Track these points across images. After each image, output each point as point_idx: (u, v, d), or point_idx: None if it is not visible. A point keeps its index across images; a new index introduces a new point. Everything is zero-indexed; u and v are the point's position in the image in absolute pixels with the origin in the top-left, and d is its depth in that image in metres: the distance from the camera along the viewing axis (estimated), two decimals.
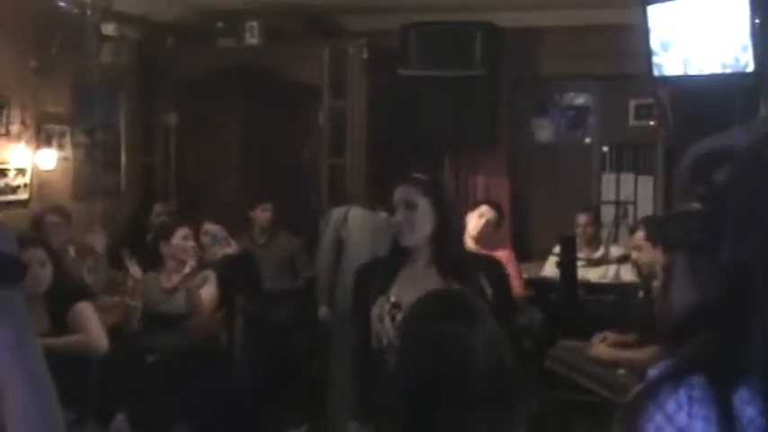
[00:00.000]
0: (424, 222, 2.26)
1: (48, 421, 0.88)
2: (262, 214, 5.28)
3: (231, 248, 4.67)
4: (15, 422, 0.86)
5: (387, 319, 2.20)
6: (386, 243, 3.77)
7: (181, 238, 3.95)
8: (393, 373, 1.43)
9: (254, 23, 5.63)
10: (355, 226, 4.44)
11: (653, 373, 0.82)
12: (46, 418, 0.87)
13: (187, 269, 3.86)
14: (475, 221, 4.39)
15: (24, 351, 0.87)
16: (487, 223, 4.41)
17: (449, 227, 2.29)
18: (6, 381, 0.86)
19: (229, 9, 5.58)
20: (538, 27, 5.62)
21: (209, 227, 4.62)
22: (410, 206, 2.28)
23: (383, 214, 4.74)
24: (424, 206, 2.26)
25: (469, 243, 4.48)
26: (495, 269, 2.37)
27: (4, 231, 0.88)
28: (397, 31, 5.54)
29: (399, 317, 2.10)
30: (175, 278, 3.91)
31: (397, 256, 2.34)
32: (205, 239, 4.51)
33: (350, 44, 5.53)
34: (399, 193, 2.31)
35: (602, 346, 3.42)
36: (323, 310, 4.57)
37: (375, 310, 2.25)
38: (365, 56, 5.47)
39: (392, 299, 2.23)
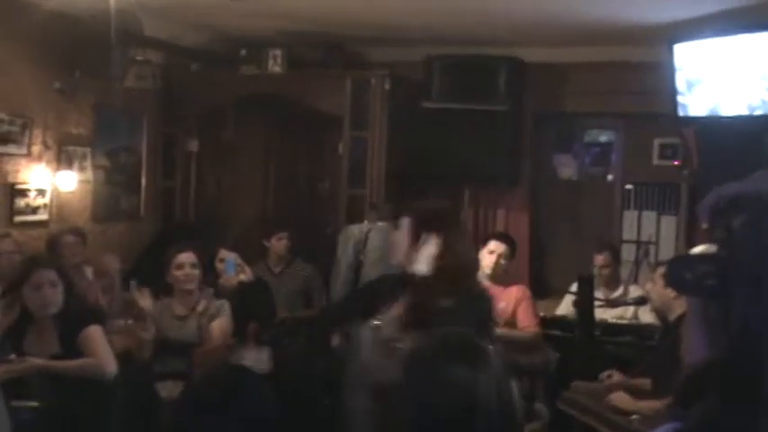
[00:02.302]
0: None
1: None
2: (278, 243, 5.26)
3: (246, 275, 4.63)
4: None
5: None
6: None
7: (178, 265, 3.89)
8: (397, 414, 1.39)
9: (278, 52, 5.67)
10: (375, 247, 4.33)
11: None
12: None
13: (200, 307, 3.82)
14: (487, 258, 4.30)
15: None
16: (499, 258, 4.33)
17: None
18: None
19: (253, 37, 5.63)
20: (562, 63, 5.59)
21: (225, 253, 4.60)
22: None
23: None
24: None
25: (484, 281, 4.42)
26: None
27: None
28: (421, 63, 5.54)
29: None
30: (186, 305, 3.89)
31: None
32: (220, 266, 4.48)
33: (372, 75, 5.54)
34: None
35: (620, 395, 3.34)
36: (336, 339, 4.49)
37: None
38: (387, 87, 5.48)
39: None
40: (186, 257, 3.91)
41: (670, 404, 0.91)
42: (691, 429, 0.71)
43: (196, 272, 3.92)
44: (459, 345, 1.45)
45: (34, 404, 2.68)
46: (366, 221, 4.51)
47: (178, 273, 3.87)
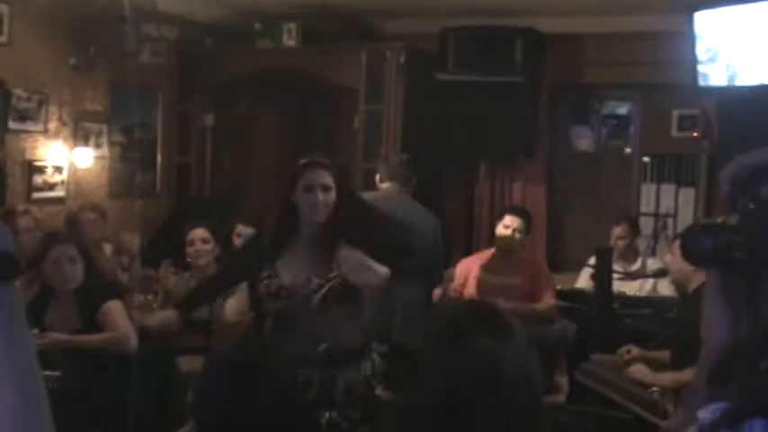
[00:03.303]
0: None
1: (35, 421, 0.85)
2: None
3: None
4: (3, 420, 0.84)
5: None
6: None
7: (190, 242, 3.94)
8: (420, 384, 1.40)
9: (292, 25, 5.63)
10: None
11: (705, 415, 0.75)
12: (33, 417, 0.85)
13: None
14: (502, 232, 4.31)
15: (15, 347, 0.85)
16: (514, 232, 4.32)
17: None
18: None
19: (268, 10, 5.59)
20: (580, 33, 5.52)
21: (242, 228, 4.61)
22: (326, 188, 2.60)
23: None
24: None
25: (498, 253, 4.40)
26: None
27: None
28: (436, 35, 5.48)
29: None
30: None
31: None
32: (238, 241, 4.50)
33: (387, 47, 5.49)
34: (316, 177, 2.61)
35: (640, 367, 3.33)
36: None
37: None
38: (402, 59, 5.43)
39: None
40: (198, 234, 3.96)
41: (700, 384, 0.89)
42: (741, 408, 0.70)
43: (208, 247, 3.96)
44: (483, 315, 1.45)
45: (57, 374, 2.72)
46: (377, 184, 4.20)
47: (190, 249, 3.95)
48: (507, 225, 4.33)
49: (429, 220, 3.96)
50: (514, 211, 4.57)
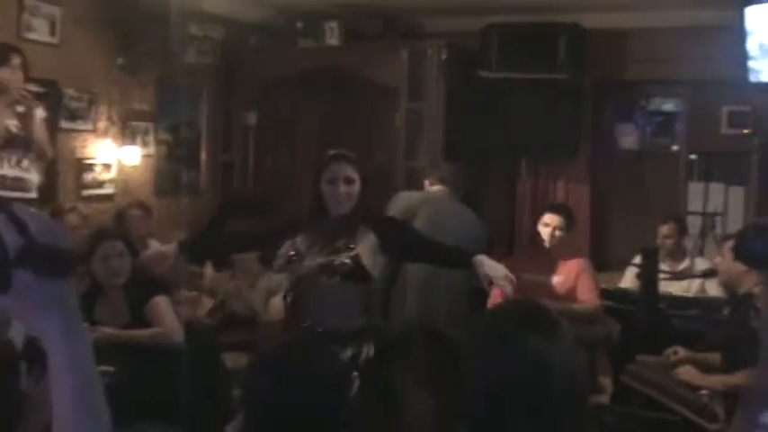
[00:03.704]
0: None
1: (93, 414, 0.87)
2: None
3: None
4: (61, 414, 0.86)
5: None
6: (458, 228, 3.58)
7: None
8: (468, 380, 1.40)
9: (334, 24, 5.66)
10: (424, 221, 3.71)
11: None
12: (91, 411, 0.87)
13: (260, 281, 3.89)
14: (542, 231, 4.27)
15: (73, 343, 0.87)
16: (554, 230, 4.27)
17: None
18: (54, 372, 0.86)
19: (310, 10, 5.62)
20: (624, 29, 5.44)
21: None
22: (349, 181, 2.73)
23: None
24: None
25: (534, 251, 4.36)
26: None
27: (54, 225, 0.88)
28: (478, 32, 5.46)
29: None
30: (246, 279, 3.95)
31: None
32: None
33: (429, 45, 5.48)
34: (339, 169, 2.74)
35: (689, 369, 3.27)
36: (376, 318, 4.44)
37: None
38: (444, 57, 5.41)
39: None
40: None
41: (760, 386, 0.87)
42: None
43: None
44: (530, 314, 1.44)
45: (110, 368, 2.77)
46: (425, 188, 4.18)
47: None
48: (547, 223, 4.29)
49: (478, 225, 4.00)
50: (554, 208, 4.51)
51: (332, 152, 2.83)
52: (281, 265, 2.88)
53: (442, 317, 3.83)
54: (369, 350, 2.83)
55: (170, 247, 3.02)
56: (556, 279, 4.21)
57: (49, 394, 0.87)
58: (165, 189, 5.51)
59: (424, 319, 3.82)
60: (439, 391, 2.77)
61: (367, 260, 2.73)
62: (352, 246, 2.75)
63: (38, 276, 0.83)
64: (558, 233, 4.24)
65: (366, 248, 2.74)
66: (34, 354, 2.73)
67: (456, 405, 1.49)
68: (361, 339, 2.80)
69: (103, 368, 3.08)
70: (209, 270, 4.29)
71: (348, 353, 2.73)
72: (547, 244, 4.26)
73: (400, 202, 3.90)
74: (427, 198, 3.94)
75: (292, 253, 2.80)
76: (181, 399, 3.18)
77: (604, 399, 4.08)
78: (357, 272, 2.75)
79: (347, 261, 2.73)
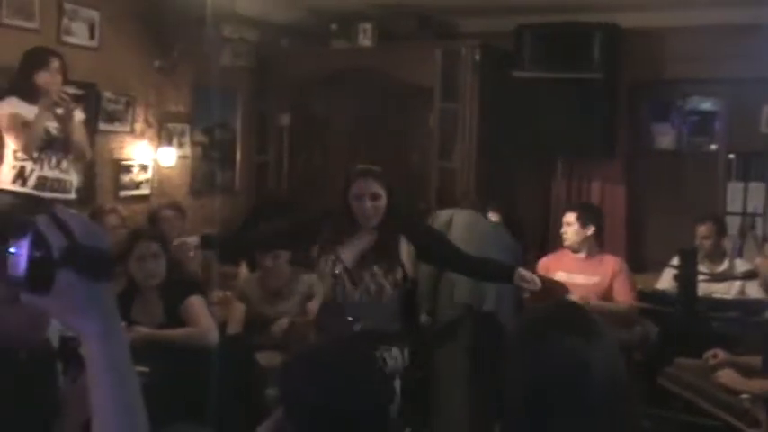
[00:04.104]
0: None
1: (131, 414, 0.88)
2: None
3: None
4: (99, 414, 0.87)
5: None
6: (492, 247, 3.74)
7: None
8: (508, 380, 1.40)
9: (367, 25, 5.67)
10: (460, 230, 4.23)
11: None
12: (129, 410, 0.88)
13: (291, 282, 3.91)
14: (564, 230, 4.25)
15: (111, 344, 0.88)
16: (568, 227, 4.22)
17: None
18: (92, 372, 0.87)
19: (343, 11, 5.64)
20: (660, 27, 5.36)
21: None
22: (375, 197, 2.83)
23: (491, 218, 4.63)
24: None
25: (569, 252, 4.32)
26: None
27: (94, 227, 0.90)
28: (512, 32, 5.42)
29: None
30: (277, 280, 3.96)
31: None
32: None
33: (462, 45, 5.47)
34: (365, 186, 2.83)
35: (729, 373, 3.21)
36: (423, 317, 4.51)
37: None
38: (478, 57, 5.39)
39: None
40: None
41: None
42: None
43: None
44: (571, 315, 1.43)
45: (145, 369, 2.81)
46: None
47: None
48: (567, 222, 4.26)
49: (510, 237, 4.28)
50: (570, 206, 4.50)
51: (359, 167, 2.94)
52: (327, 282, 2.96)
53: (491, 301, 4.00)
54: (407, 352, 2.93)
55: (192, 239, 3.23)
56: (592, 279, 4.16)
57: (87, 394, 0.89)
58: (200, 190, 5.57)
59: (475, 303, 4.04)
60: (476, 389, 2.81)
61: (408, 267, 2.88)
62: (395, 256, 2.88)
63: (79, 277, 0.84)
64: (573, 229, 4.19)
65: (405, 256, 2.88)
66: (69, 353, 2.77)
67: (493, 405, 1.49)
68: (402, 341, 2.91)
69: (139, 368, 3.11)
70: (243, 271, 4.32)
71: (389, 354, 2.83)
72: (566, 242, 4.23)
73: (439, 217, 4.32)
74: (459, 210, 4.37)
75: (338, 272, 2.87)
76: (212, 399, 3.21)
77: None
78: (402, 280, 2.89)
79: (392, 272, 2.87)
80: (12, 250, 0.82)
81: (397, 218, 2.92)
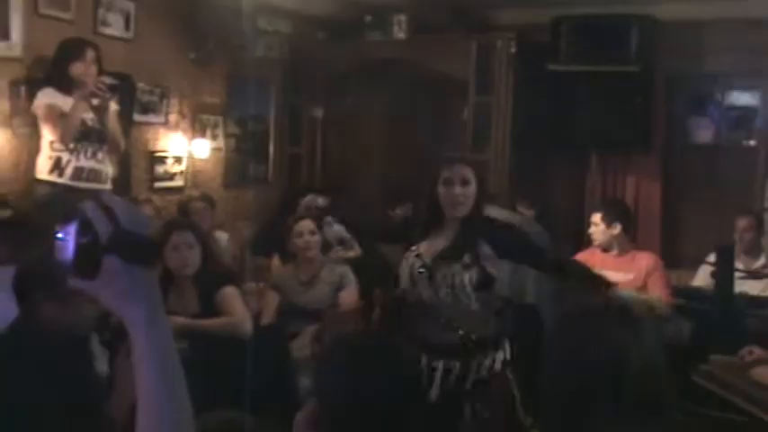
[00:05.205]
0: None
1: (175, 398, 0.89)
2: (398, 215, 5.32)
3: (354, 252, 4.75)
4: (144, 399, 0.88)
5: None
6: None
7: (298, 233, 3.97)
8: (551, 371, 1.42)
9: (402, 17, 5.66)
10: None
11: None
12: (173, 395, 0.89)
13: (323, 273, 3.92)
14: (592, 230, 4.21)
15: (155, 330, 0.89)
16: (595, 227, 4.18)
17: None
18: (137, 357, 0.88)
19: (378, 3, 5.63)
20: (699, 20, 5.27)
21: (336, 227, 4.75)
22: (465, 182, 2.70)
23: (524, 214, 4.60)
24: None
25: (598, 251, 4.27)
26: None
27: (139, 214, 0.91)
28: (547, 25, 5.37)
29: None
30: (309, 271, 3.98)
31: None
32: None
33: (497, 38, 5.43)
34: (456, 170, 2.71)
35: (766, 370, 3.16)
36: None
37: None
38: (513, 50, 5.35)
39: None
40: (305, 225, 4.00)
41: None
42: None
43: (316, 238, 4.00)
44: (618, 311, 1.45)
45: (183, 345, 2.83)
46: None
47: (298, 240, 3.98)
48: (594, 223, 4.23)
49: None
50: (596, 206, 4.45)
51: (448, 154, 2.85)
52: (407, 280, 2.78)
53: (531, 294, 3.94)
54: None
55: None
56: (627, 276, 4.12)
57: (132, 378, 0.90)
58: (233, 181, 5.61)
59: (515, 295, 3.93)
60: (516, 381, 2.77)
61: (491, 267, 2.67)
62: (477, 253, 2.67)
63: (124, 263, 0.85)
64: (600, 228, 4.15)
65: (489, 258, 2.67)
66: (106, 328, 2.80)
67: (534, 395, 1.50)
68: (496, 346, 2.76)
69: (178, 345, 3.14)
70: (275, 263, 4.34)
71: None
72: (594, 243, 4.20)
73: None
74: (490, 206, 4.27)
75: (421, 271, 2.71)
76: (248, 389, 3.23)
77: None
78: (485, 279, 2.68)
79: (475, 274, 2.67)
80: (60, 236, 0.83)
81: (483, 218, 2.74)
